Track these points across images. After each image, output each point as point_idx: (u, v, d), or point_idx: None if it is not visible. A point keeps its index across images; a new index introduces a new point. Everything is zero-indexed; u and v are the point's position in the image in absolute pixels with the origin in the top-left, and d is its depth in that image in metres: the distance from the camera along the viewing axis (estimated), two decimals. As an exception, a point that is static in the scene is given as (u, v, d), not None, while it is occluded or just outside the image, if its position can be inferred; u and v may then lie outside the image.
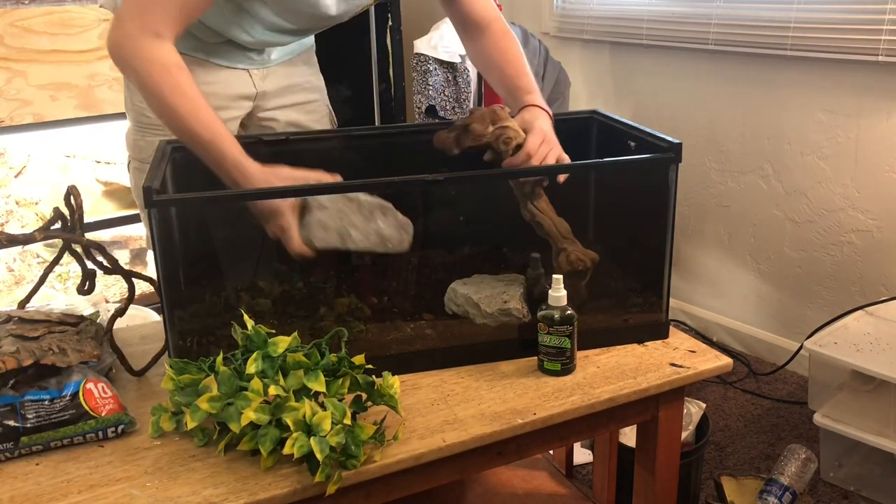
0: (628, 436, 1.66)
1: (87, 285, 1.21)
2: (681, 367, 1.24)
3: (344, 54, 2.99)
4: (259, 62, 1.53)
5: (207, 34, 1.44)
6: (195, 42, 1.45)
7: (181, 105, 1.19)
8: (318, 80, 1.70)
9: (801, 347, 2.03)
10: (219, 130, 1.20)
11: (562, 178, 1.28)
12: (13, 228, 2.52)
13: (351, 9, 1.43)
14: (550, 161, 1.26)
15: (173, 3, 1.21)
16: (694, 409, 1.80)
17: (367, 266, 1.35)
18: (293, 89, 1.62)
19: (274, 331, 1.07)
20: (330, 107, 1.73)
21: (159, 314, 1.53)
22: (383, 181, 1.27)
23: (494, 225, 1.43)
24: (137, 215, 2.65)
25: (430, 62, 2.55)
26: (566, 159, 1.27)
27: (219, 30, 1.42)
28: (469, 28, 1.48)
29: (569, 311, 1.19)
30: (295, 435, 0.96)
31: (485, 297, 1.26)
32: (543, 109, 1.33)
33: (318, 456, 0.95)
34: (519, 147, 1.24)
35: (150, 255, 2.76)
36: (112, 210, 2.73)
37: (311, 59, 1.68)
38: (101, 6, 1.66)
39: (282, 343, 1.04)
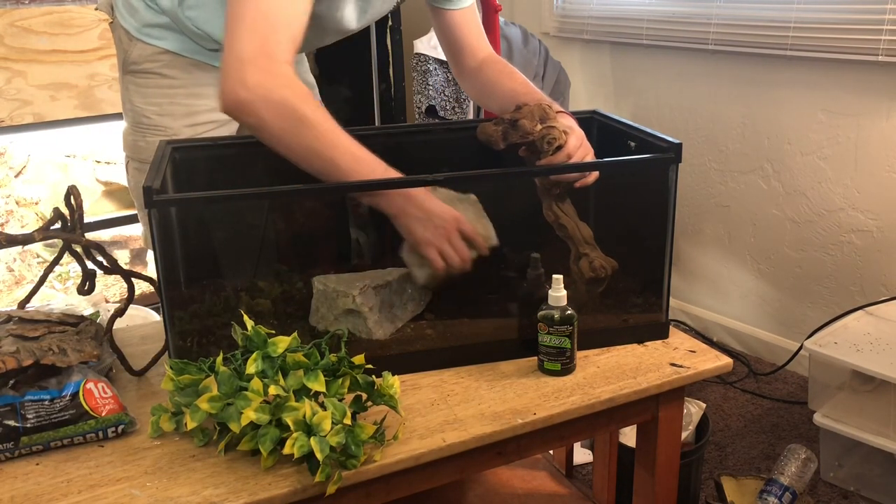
0: (628, 436, 1.66)
1: (87, 285, 1.21)
2: (681, 367, 1.24)
3: (344, 54, 2.99)
4: None
5: (208, 42, 1.44)
6: (193, 45, 1.45)
7: (334, 132, 1.16)
8: (310, 78, 1.70)
9: (801, 347, 2.03)
10: (373, 157, 1.17)
11: (591, 178, 1.28)
12: (13, 228, 2.52)
13: (369, 21, 1.43)
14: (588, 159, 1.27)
15: (293, 25, 1.16)
16: (694, 409, 1.80)
17: (367, 266, 1.35)
18: None
19: (274, 331, 1.07)
20: (322, 105, 1.74)
21: (159, 314, 1.53)
22: (384, 181, 1.27)
23: (495, 225, 1.43)
24: (137, 215, 2.65)
25: (430, 62, 2.55)
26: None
27: None
28: (464, 60, 1.50)
29: (569, 311, 1.19)
30: (295, 435, 0.96)
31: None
32: (570, 115, 1.35)
33: (318, 456, 0.95)
34: (559, 148, 1.25)
35: (150, 255, 2.76)
36: (112, 210, 2.73)
37: (302, 59, 1.68)
38: (96, 8, 1.66)
39: (282, 343, 1.04)
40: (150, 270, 2.56)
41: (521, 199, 1.30)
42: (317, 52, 3.08)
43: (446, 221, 1.20)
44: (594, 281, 1.27)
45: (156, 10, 1.43)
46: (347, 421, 0.99)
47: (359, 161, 1.15)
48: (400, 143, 1.47)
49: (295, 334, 1.10)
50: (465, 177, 1.28)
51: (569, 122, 1.31)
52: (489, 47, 1.51)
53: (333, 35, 1.43)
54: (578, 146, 1.26)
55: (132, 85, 1.50)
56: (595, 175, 1.27)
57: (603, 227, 1.47)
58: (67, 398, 1.05)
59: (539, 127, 1.24)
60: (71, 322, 1.18)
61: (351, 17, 1.36)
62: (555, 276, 1.19)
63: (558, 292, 1.19)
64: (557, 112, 1.32)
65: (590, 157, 1.28)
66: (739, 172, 2.53)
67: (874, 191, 2.19)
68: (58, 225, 1.17)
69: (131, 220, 2.66)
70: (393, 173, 1.18)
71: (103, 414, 1.07)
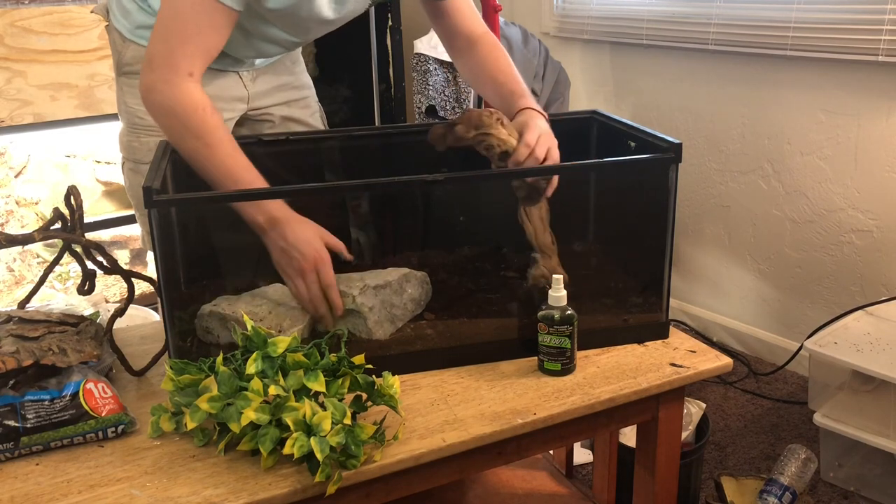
0: (628, 436, 1.66)
1: (87, 285, 1.21)
2: (681, 367, 1.24)
3: (344, 54, 3.00)
4: (248, 65, 1.53)
5: None
6: None
7: (218, 144, 1.21)
8: (306, 77, 1.71)
9: (801, 347, 2.03)
10: (255, 173, 1.21)
11: (551, 186, 1.27)
12: (13, 228, 2.52)
13: (346, 14, 1.43)
14: (553, 156, 1.26)
15: (202, 41, 1.23)
16: (694, 409, 1.80)
17: (367, 266, 1.35)
18: (283, 88, 1.63)
19: (273, 331, 1.07)
20: (319, 103, 1.74)
21: (159, 314, 1.53)
22: (383, 181, 1.27)
23: (495, 225, 1.43)
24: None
25: (430, 62, 2.55)
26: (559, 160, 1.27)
27: (227, 51, 1.42)
28: (457, 43, 1.49)
29: (569, 311, 1.19)
30: (295, 435, 0.96)
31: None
32: (538, 112, 1.33)
33: (318, 456, 0.95)
34: (505, 154, 1.24)
35: (150, 255, 2.76)
36: (112, 210, 2.73)
37: (297, 58, 1.69)
38: (92, 12, 1.67)
39: (281, 343, 1.04)
40: (150, 270, 2.56)
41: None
42: (317, 52, 3.08)
43: (304, 259, 1.19)
44: (534, 289, 1.27)
45: (148, 11, 1.44)
46: (347, 421, 0.99)
47: (230, 175, 1.20)
48: (399, 143, 1.47)
49: (295, 334, 1.10)
50: (466, 177, 1.28)
51: (528, 120, 1.29)
52: (482, 27, 1.49)
53: (317, 26, 1.43)
54: (537, 137, 1.25)
55: (126, 86, 1.52)
56: (553, 184, 1.26)
57: (603, 227, 1.47)
58: (67, 398, 1.05)
59: (472, 133, 1.24)
60: (71, 322, 1.18)
61: (323, 6, 1.36)
62: (555, 276, 1.19)
63: (558, 292, 1.19)
64: (523, 110, 1.31)
65: (551, 160, 1.26)
66: (739, 172, 2.53)
67: (874, 191, 2.19)
68: (58, 225, 1.17)
69: (131, 220, 2.66)
70: (254, 184, 1.20)
71: (103, 414, 1.07)
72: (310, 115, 1.68)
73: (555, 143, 1.28)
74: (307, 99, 1.69)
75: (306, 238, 1.19)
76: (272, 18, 1.36)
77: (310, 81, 1.72)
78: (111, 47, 1.54)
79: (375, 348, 1.21)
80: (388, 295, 1.25)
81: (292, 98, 1.64)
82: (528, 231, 1.26)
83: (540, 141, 1.25)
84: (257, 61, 1.54)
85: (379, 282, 1.24)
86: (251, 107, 1.58)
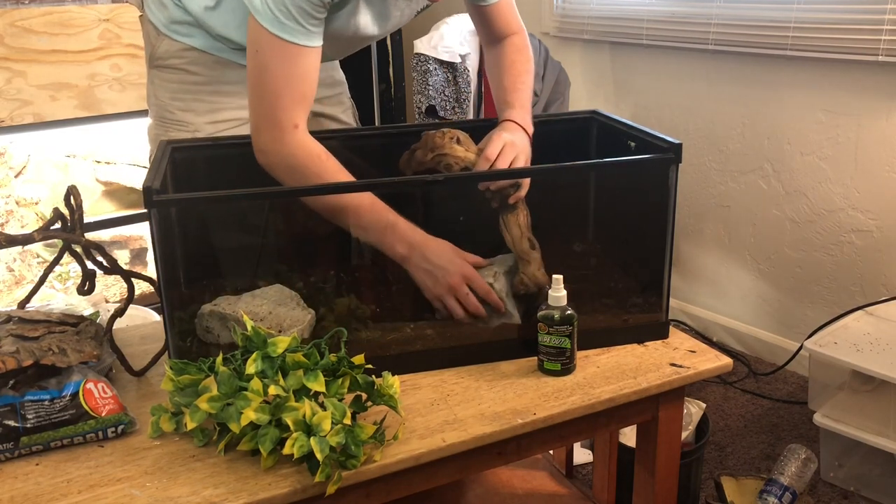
0: (628, 436, 1.66)
1: (87, 285, 1.21)
2: (681, 367, 1.24)
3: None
4: None
5: (231, 42, 1.44)
6: (218, 44, 1.45)
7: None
8: (339, 75, 1.71)
9: (801, 347, 2.03)
10: (382, 204, 1.22)
11: (522, 190, 1.27)
12: (13, 228, 2.52)
13: (390, 28, 1.44)
14: (519, 165, 1.26)
15: (295, 89, 1.23)
16: (694, 409, 1.80)
17: (367, 266, 1.35)
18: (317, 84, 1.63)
19: (273, 331, 1.07)
20: (351, 99, 1.74)
21: (159, 314, 1.53)
22: (383, 181, 1.27)
23: (495, 225, 1.43)
24: (137, 215, 2.65)
25: (430, 62, 2.55)
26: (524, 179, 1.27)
27: None
28: (491, 39, 1.51)
29: (569, 311, 1.19)
30: (295, 435, 0.96)
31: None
32: (519, 125, 1.34)
33: (318, 456, 0.95)
34: (467, 170, 1.26)
35: (150, 255, 2.76)
36: (112, 210, 2.73)
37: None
38: (128, 1, 1.67)
39: (281, 343, 1.04)
40: (150, 270, 2.56)
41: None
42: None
43: (451, 276, 1.22)
44: (521, 296, 1.28)
45: (182, 8, 1.45)
46: (347, 421, 0.99)
47: (357, 210, 1.22)
48: (399, 143, 1.47)
49: (295, 334, 1.10)
50: (465, 177, 1.28)
51: (496, 139, 1.29)
52: (515, 28, 1.50)
53: (360, 43, 1.45)
54: (499, 149, 1.25)
55: (157, 79, 1.51)
56: (523, 191, 1.26)
57: (603, 227, 1.47)
58: (67, 398, 1.05)
59: (430, 156, 1.26)
60: (71, 322, 1.18)
61: (368, 25, 1.37)
62: (555, 276, 1.19)
63: (558, 292, 1.19)
64: (501, 123, 1.32)
65: (521, 157, 1.27)
66: (739, 172, 2.53)
67: (874, 191, 2.19)
68: (58, 225, 1.17)
69: (131, 220, 2.66)
70: (402, 224, 1.22)
71: (103, 414, 1.07)
72: (342, 111, 1.69)
73: (525, 151, 1.30)
74: (340, 95, 1.70)
75: (448, 256, 1.23)
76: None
77: (343, 78, 1.72)
78: (144, 39, 1.54)
79: (375, 348, 1.21)
80: (509, 278, 1.27)
81: (325, 95, 1.64)
82: (506, 239, 1.28)
83: (504, 151, 1.26)
84: None
85: (504, 267, 1.28)
86: None
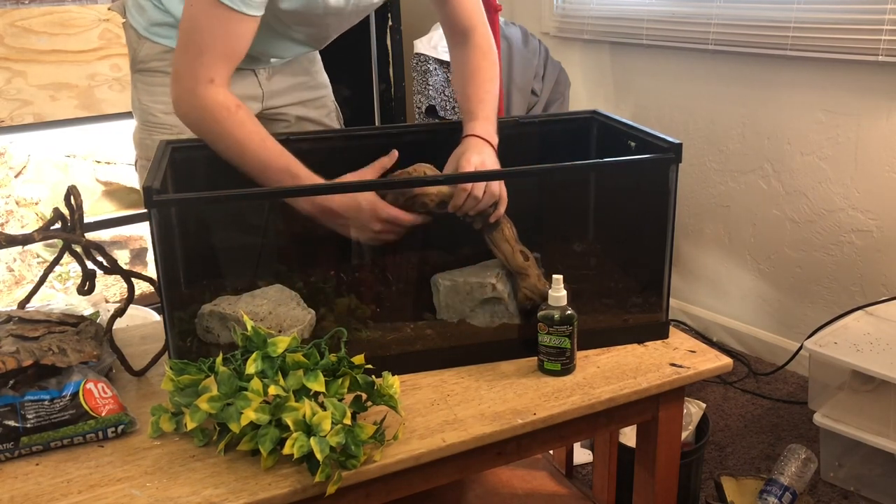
0: (628, 436, 1.66)
1: (87, 285, 1.21)
2: (681, 367, 1.24)
3: (344, 54, 2.98)
4: (263, 63, 1.53)
5: None
6: None
7: (248, 139, 1.24)
8: (323, 77, 1.71)
9: (801, 347, 2.03)
10: (289, 157, 1.24)
11: (501, 206, 1.26)
12: (13, 228, 2.52)
13: (359, 3, 1.42)
14: (492, 191, 1.23)
15: (219, 49, 1.24)
16: (694, 409, 1.80)
17: (367, 266, 1.35)
18: (299, 87, 1.62)
19: (273, 331, 1.07)
20: (335, 102, 1.74)
21: (159, 314, 1.53)
22: (383, 181, 1.27)
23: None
24: (137, 215, 2.65)
25: (430, 62, 2.55)
26: (502, 195, 1.25)
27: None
28: (455, 35, 1.48)
29: (569, 311, 1.19)
30: (295, 435, 0.96)
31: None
32: (483, 139, 1.32)
33: (318, 456, 0.95)
34: (444, 203, 1.25)
35: (150, 255, 2.76)
36: (112, 210, 2.73)
37: (315, 57, 1.69)
38: (109, 8, 1.67)
39: (281, 343, 1.04)
40: (151, 270, 2.56)
41: (519, 198, 1.29)
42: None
43: (362, 211, 1.23)
44: (526, 310, 1.27)
45: (162, 9, 1.45)
46: (347, 421, 0.99)
47: (265, 169, 1.24)
48: (399, 143, 1.47)
49: (295, 334, 1.10)
50: (465, 176, 1.28)
51: (460, 155, 1.29)
52: (476, 21, 1.46)
53: (334, 21, 1.44)
54: (465, 195, 1.22)
55: (140, 83, 1.52)
56: (502, 208, 1.25)
57: (603, 227, 1.47)
58: (67, 398, 1.05)
59: (402, 199, 1.25)
60: (71, 322, 1.18)
61: None
62: (555, 276, 1.19)
63: (558, 292, 1.19)
64: (465, 139, 1.31)
65: (489, 196, 1.23)
66: (739, 172, 2.53)
67: (874, 191, 2.19)
68: (58, 225, 1.17)
69: (131, 220, 2.66)
70: (305, 177, 1.22)
71: (103, 414, 1.07)
72: (325, 115, 1.69)
73: (493, 194, 1.26)
74: (323, 99, 1.69)
75: (347, 202, 1.24)
76: (288, 20, 1.36)
77: (327, 81, 1.72)
78: (127, 44, 1.55)
79: (375, 348, 1.21)
80: (512, 280, 1.28)
81: (308, 98, 1.64)
82: (498, 258, 1.28)
83: (474, 192, 1.23)
84: (272, 60, 1.54)
85: (504, 268, 1.28)
86: (265, 106, 1.58)
